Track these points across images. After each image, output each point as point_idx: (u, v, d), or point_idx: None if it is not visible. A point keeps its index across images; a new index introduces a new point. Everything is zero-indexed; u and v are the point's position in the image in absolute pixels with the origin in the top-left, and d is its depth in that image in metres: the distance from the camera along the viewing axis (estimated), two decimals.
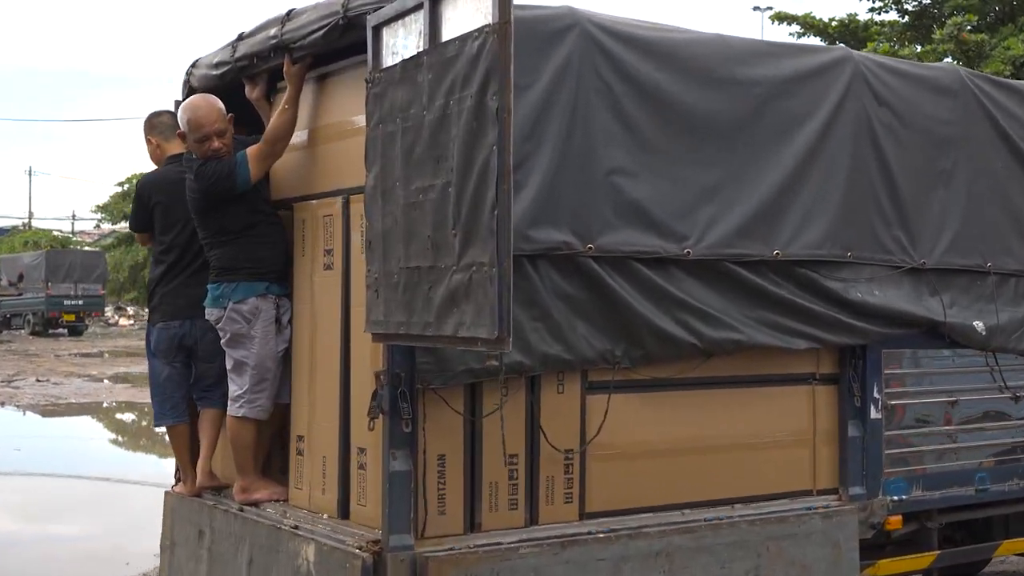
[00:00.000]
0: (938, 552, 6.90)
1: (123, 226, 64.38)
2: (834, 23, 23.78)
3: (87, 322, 46.63)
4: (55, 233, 72.15)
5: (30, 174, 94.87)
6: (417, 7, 4.67)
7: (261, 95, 6.32)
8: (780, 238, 6.01)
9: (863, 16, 24.10)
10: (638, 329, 5.59)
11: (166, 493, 6.81)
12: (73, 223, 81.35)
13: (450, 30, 4.52)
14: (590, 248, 5.41)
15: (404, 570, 4.97)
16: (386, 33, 4.92)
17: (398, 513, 5.03)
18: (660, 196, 5.68)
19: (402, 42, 4.80)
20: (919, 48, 21.64)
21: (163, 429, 6.77)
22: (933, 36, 20.80)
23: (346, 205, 5.59)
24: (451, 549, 5.11)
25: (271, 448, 6.37)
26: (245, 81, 6.35)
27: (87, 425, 20.22)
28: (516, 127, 4.41)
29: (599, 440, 5.55)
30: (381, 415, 5.05)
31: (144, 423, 20.37)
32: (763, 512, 6.01)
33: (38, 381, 25.45)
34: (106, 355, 34.78)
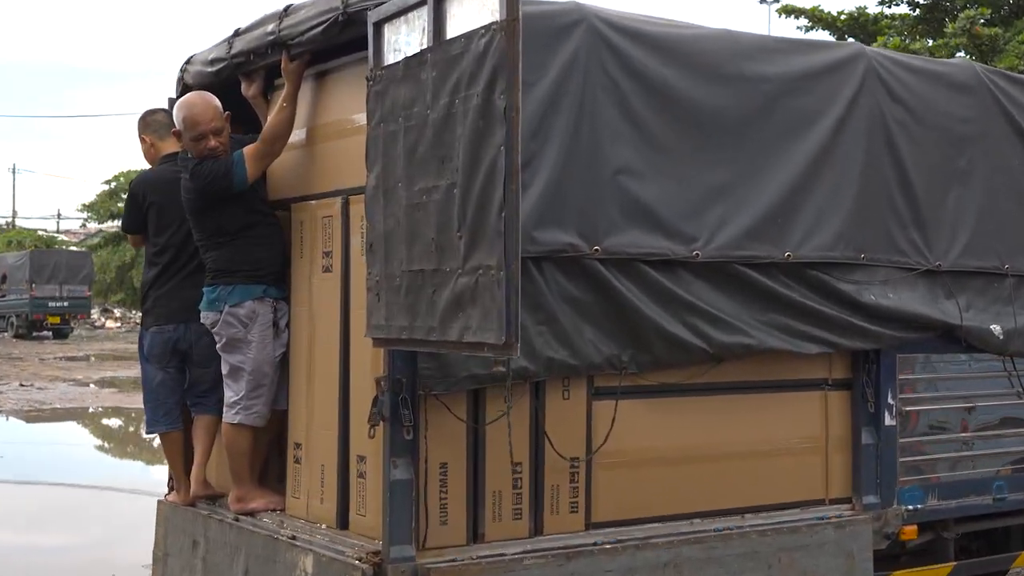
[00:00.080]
0: (954, 563, 6.90)
1: (110, 225, 64.36)
2: (843, 16, 23.74)
3: (72, 324, 46.61)
4: (40, 233, 72.10)
5: (14, 172, 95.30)
6: (420, 3, 4.68)
7: (258, 93, 6.33)
8: (791, 239, 6.02)
9: (873, 9, 24.08)
10: (646, 333, 5.60)
11: (159, 502, 6.82)
12: (58, 222, 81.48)
13: (455, 27, 4.52)
14: (596, 250, 5.42)
15: None
16: (388, 29, 4.93)
17: (399, 523, 5.03)
18: (668, 196, 5.69)
19: (404, 39, 4.81)
20: (931, 42, 21.62)
21: (155, 436, 6.78)
22: (945, 30, 20.76)
23: (346, 206, 5.60)
24: (453, 560, 5.12)
25: (268, 456, 6.38)
26: (242, 78, 6.36)
27: (72, 431, 20.23)
28: (522, 125, 4.41)
29: (606, 448, 5.56)
30: (382, 422, 5.05)
31: (131, 429, 20.38)
32: (774, 522, 6.02)
33: (21, 386, 25.44)
34: (92, 359, 34.76)
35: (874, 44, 19.72)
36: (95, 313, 54.79)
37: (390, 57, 4.92)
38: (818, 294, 6.13)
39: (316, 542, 5.43)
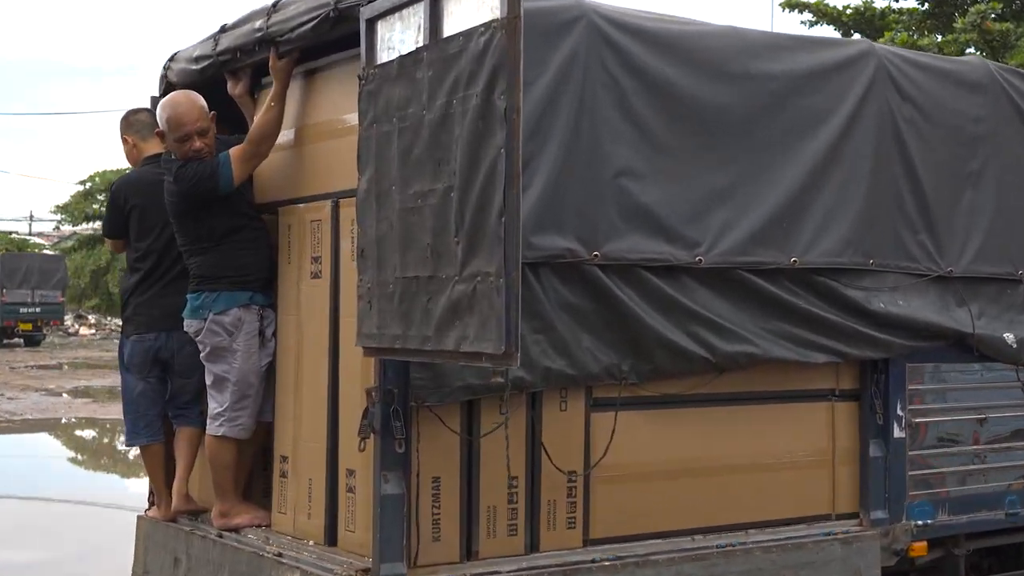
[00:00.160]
0: None
1: (84, 228, 64.21)
2: (849, 10, 23.80)
3: (45, 331, 46.46)
4: (11, 235, 71.94)
5: None
6: (416, 0, 4.70)
7: (245, 91, 6.35)
8: (798, 244, 6.05)
9: (880, 3, 24.15)
10: (646, 342, 5.62)
11: (139, 517, 6.81)
12: (31, 224, 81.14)
13: (452, 25, 4.54)
14: (596, 255, 5.45)
15: None
16: (381, 27, 4.94)
17: (389, 539, 5.05)
18: (670, 199, 5.72)
19: (399, 36, 4.82)
20: (939, 37, 21.69)
21: (134, 448, 6.78)
22: (955, 25, 20.81)
23: (336, 209, 5.61)
24: None
25: (253, 469, 6.39)
26: (228, 76, 6.37)
27: (44, 443, 20.17)
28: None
29: (605, 461, 5.58)
30: (372, 434, 5.07)
31: (106, 440, 20.35)
32: (779, 538, 6.04)
33: None
34: (65, 367, 34.68)
35: (881, 39, 19.76)
36: (69, 319, 54.60)
37: (383, 55, 4.93)
38: (825, 301, 6.16)
39: (303, 559, 5.43)
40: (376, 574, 5.01)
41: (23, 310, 44.13)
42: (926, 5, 23.24)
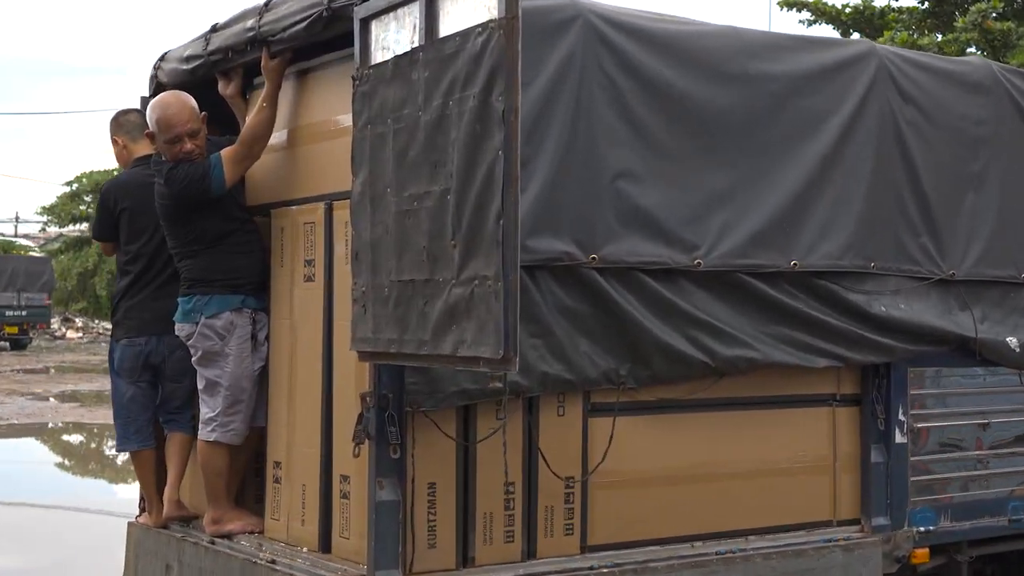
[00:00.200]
0: None
1: (71, 229, 64.13)
2: (848, 9, 23.79)
3: (31, 335, 46.34)
4: None
5: None
6: (411, 0, 4.70)
7: (236, 92, 6.35)
8: (798, 247, 6.06)
9: (879, 2, 24.15)
10: (645, 346, 5.62)
11: (129, 524, 6.81)
12: (16, 226, 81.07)
13: (449, 25, 4.55)
14: (593, 259, 5.45)
15: None
16: (375, 26, 4.94)
17: (384, 547, 5.05)
18: (668, 201, 5.72)
19: (393, 36, 4.82)
20: (940, 37, 21.70)
21: (123, 454, 6.77)
22: (955, 24, 20.81)
23: (329, 212, 5.62)
24: None
25: (245, 475, 6.40)
26: (219, 76, 6.37)
27: (31, 448, 20.17)
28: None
29: (603, 467, 5.58)
30: (367, 440, 5.07)
31: (93, 445, 20.35)
32: (779, 545, 6.05)
33: None
34: (52, 371, 34.66)
35: (880, 39, 19.78)
36: (55, 323, 54.52)
37: (378, 55, 4.93)
38: (826, 305, 6.16)
39: (297, 566, 5.43)
40: None
41: (9, 313, 43.98)
42: (926, 4, 23.24)
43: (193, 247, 6.07)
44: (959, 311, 6.65)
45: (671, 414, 5.86)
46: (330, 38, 5.51)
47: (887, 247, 6.39)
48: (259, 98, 5.99)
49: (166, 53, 6.81)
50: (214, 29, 6.35)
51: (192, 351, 6.11)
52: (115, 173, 7.04)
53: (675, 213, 5.72)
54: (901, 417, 6.50)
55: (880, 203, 6.36)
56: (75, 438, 21.58)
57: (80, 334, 54.32)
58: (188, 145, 5.99)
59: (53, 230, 69.40)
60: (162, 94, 6.28)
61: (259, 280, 6.10)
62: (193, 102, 6.10)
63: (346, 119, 5.27)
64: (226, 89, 6.35)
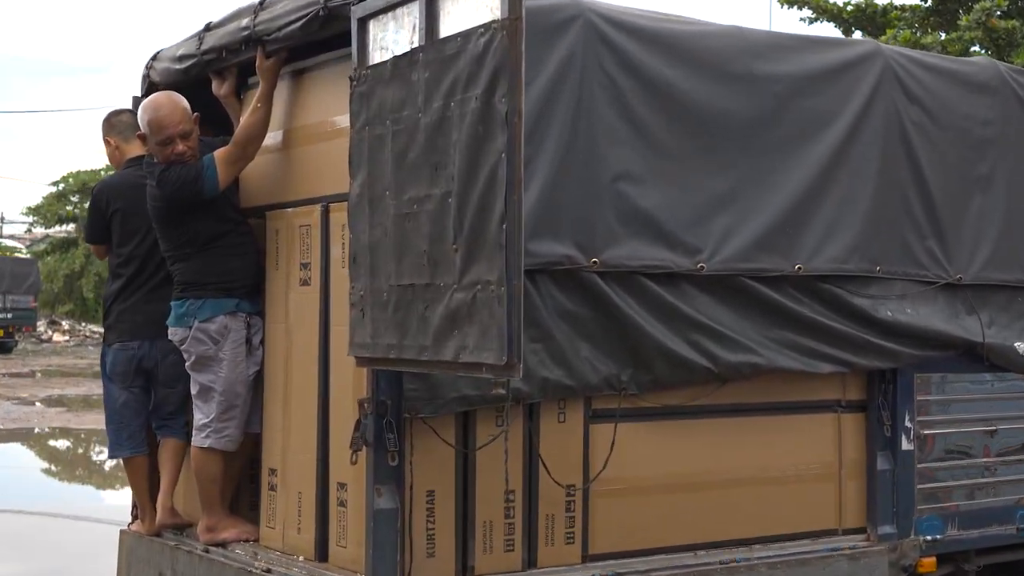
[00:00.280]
0: None
1: (58, 230, 64.04)
2: (849, 7, 23.77)
3: (17, 338, 46.25)
4: None
5: None
6: None
7: (230, 92, 6.34)
8: (802, 251, 6.06)
9: (882, 0, 24.14)
10: (647, 352, 5.63)
11: (121, 532, 6.81)
12: (1, 226, 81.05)
13: (449, 25, 4.55)
14: (594, 263, 5.45)
15: None
16: (373, 26, 4.94)
17: (382, 555, 5.05)
18: (670, 204, 5.72)
19: (392, 36, 4.82)
20: (943, 35, 21.70)
21: (113, 460, 6.76)
22: (959, 22, 20.81)
23: (326, 214, 5.61)
24: None
25: (240, 482, 6.39)
26: (212, 76, 6.37)
27: (16, 454, 20.14)
28: None
29: (604, 474, 5.58)
30: (364, 447, 5.07)
31: (80, 451, 20.34)
32: (784, 554, 6.05)
33: None
34: (38, 375, 34.61)
35: (883, 37, 19.77)
36: (41, 325, 54.42)
37: (376, 56, 4.93)
38: (831, 309, 6.16)
39: (293, 575, 5.43)
40: None
41: None
42: (929, 2, 23.25)
43: (186, 250, 6.06)
44: (966, 315, 6.65)
45: (673, 420, 5.86)
46: (327, 37, 5.51)
47: (893, 250, 6.39)
48: (253, 98, 5.99)
49: (159, 52, 6.80)
50: (208, 28, 6.34)
51: (186, 356, 6.10)
52: (102, 173, 7.03)
53: (677, 215, 5.72)
54: (908, 423, 6.50)
55: (885, 205, 6.35)
56: (62, 443, 21.57)
57: (67, 337, 54.26)
58: (180, 147, 5.98)
59: (39, 231, 69.35)
60: (154, 95, 6.28)
61: (253, 283, 6.10)
62: (185, 103, 6.10)
63: (343, 120, 5.27)
64: (220, 89, 6.35)
